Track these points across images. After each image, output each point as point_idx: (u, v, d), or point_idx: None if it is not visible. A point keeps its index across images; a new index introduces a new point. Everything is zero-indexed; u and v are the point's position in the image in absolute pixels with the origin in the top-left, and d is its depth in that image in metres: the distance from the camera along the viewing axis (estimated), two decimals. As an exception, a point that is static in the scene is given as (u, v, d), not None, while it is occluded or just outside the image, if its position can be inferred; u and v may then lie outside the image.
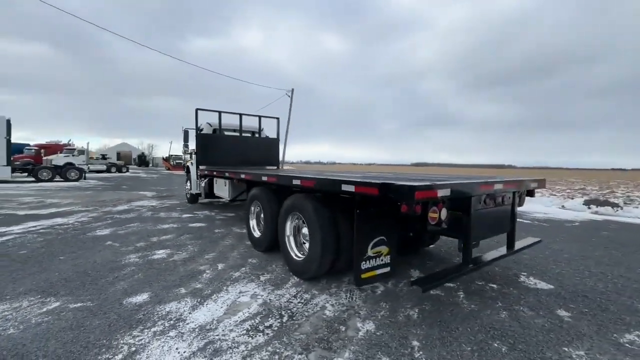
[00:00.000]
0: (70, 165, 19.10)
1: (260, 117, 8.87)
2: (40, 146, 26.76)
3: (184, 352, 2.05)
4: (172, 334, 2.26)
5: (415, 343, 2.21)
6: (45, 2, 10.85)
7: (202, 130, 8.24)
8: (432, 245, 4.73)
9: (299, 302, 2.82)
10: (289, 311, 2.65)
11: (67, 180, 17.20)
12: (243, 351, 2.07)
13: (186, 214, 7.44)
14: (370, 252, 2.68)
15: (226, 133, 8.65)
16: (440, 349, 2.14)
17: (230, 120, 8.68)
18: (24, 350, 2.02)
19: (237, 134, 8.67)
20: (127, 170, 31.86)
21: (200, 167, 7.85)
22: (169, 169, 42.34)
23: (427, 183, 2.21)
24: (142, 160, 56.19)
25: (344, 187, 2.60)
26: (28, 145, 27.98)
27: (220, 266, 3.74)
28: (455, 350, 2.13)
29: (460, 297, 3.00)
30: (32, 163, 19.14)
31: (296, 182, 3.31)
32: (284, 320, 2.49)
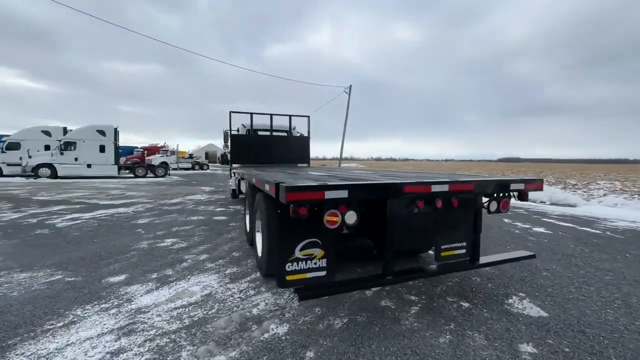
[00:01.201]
0: (164, 164, 22.88)
1: (290, 116, 9.16)
2: (145, 148, 32.79)
3: (106, 327, 2.37)
4: (112, 311, 2.62)
5: (310, 354, 2.08)
6: (154, 38, 13.19)
7: (237, 131, 8.96)
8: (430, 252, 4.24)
9: (238, 297, 2.91)
10: (222, 304, 2.77)
11: (156, 176, 20.61)
12: (149, 335, 2.28)
13: (220, 207, 8.20)
14: (298, 254, 2.59)
15: (260, 133, 9.22)
16: (332, 364, 1.98)
17: (265, 121, 9.20)
18: (6, 308, 2.62)
19: (277, 134, 9.17)
20: (208, 168, 36.31)
21: (234, 165, 8.57)
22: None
23: (312, 183, 2.02)
24: (224, 159, 63.22)
25: (265, 187, 2.58)
26: (137, 147, 34.39)
27: (202, 257, 4.08)
28: (346, 368, 1.94)
29: (411, 312, 2.66)
30: (138, 162, 23.61)
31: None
32: (210, 312, 2.63)
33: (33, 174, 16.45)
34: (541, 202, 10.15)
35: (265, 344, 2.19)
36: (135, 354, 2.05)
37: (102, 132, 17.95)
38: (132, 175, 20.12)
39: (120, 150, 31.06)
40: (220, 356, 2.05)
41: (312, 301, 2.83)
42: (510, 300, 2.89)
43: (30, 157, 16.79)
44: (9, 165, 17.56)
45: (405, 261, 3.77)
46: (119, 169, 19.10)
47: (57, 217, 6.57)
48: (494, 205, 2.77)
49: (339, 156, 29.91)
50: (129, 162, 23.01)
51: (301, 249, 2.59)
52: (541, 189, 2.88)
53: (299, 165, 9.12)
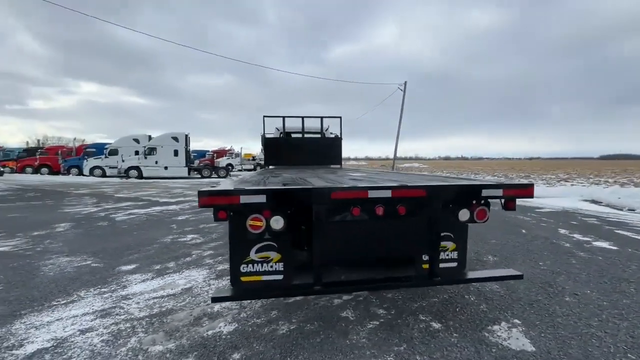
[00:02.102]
0: (229, 165, 25.34)
1: (322, 118, 9.21)
2: (214, 152, 36.56)
3: (92, 309, 2.77)
4: (105, 295, 3.05)
5: (236, 356, 2.11)
6: (227, 57, 14.91)
7: (271, 134, 9.40)
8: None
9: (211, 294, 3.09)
10: (193, 298, 2.98)
11: (218, 176, 22.80)
12: (118, 319, 2.59)
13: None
14: (254, 256, 2.63)
15: (293, 136, 9.50)
16: (251, 369, 1.97)
17: (299, 124, 9.44)
18: (36, 285, 3.26)
19: (310, 136, 9.39)
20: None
21: (268, 168, 9.01)
22: (303, 167, 48.35)
23: (227, 188, 2.01)
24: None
25: None
26: (208, 151, 38.48)
27: (207, 253, 4.42)
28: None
29: (368, 326, 2.47)
30: (209, 164, 26.56)
31: None
32: (178, 305, 2.85)
33: (125, 175, 19.84)
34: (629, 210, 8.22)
35: (204, 340, 2.29)
36: (97, 334, 2.37)
37: (175, 139, 20.67)
38: (199, 176, 22.64)
39: (195, 154, 35.16)
40: (158, 346, 2.23)
41: (271, 304, 2.84)
42: (495, 327, 2.45)
43: (123, 161, 20.31)
44: (110, 167, 21.50)
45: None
46: (189, 170, 21.70)
47: (121, 212, 7.84)
48: (464, 215, 2.36)
49: (399, 156, 28.86)
50: (201, 164, 26.02)
51: (257, 251, 2.62)
52: (530, 196, 2.35)
53: (331, 166, 9.12)
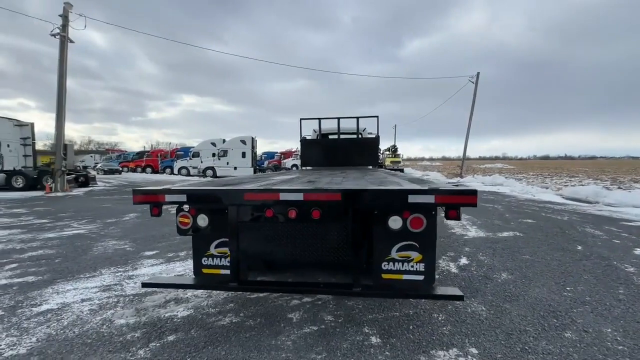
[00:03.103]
0: (295, 166, 26.78)
1: (358, 118, 9.03)
2: (282, 153, 38.98)
3: (101, 283, 3.40)
4: (118, 274, 3.69)
5: (170, 338, 2.35)
6: (298, 66, 16.25)
7: (307, 137, 9.64)
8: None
9: (194, 282, 3.45)
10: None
11: (280, 177, 24.32)
12: (112, 294, 3.12)
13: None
14: (213, 251, 2.86)
15: (331, 137, 9.55)
16: (160, 351, 2.19)
17: (339, 125, 9.47)
18: (77, 261, 4.13)
19: (346, 136, 9.37)
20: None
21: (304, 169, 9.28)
22: (368, 168, 47.66)
23: (156, 188, 2.22)
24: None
25: None
26: (276, 152, 41.13)
27: (217, 246, 4.88)
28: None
29: (305, 330, 2.44)
30: (277, 165, 28.60)
31: None
32: (161, 288, 3.28)
33: (203, 174, 22.81)
34: None
35: (158, 320, 2.61)
36: (90, 304, 2.92)
37: (243, 142, 22.82)
38: (264, 176, 24.50)
39: (265, 155, 37.97)
40: (123, 319, 2.63)
41: (234, 297, 3.03)
42: (440, 353, 2.14)
43: (202, 162, 23.38)
44: (192, 168, 24.99)
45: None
46: (255, 170, 23.68)
47: (179, 206, 9.14)
48: (395, 223, 2.11)
49: (484, 156, 26.28)
50: (270, 165, 28.13)
51: (216, 247, 2.85)
52: (473, 204, 1.94)
53: (369, 167, 8.90)
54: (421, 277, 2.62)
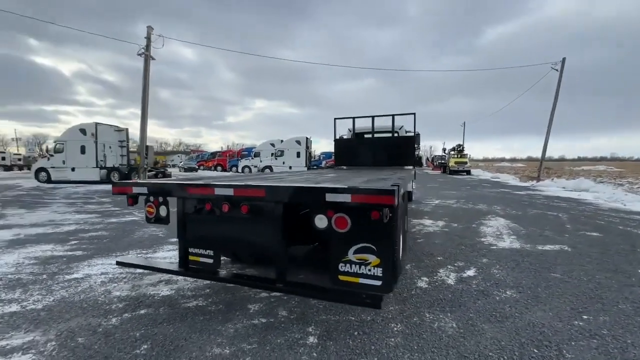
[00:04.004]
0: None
1: (393, 115, 8.62)
2: (340, 153, 39.21)
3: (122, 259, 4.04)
4: (140, 254, 4.32)
5: (141, 312, 2.69)
6: (364, 67, 16.79)
7: (343, 136, 9.55)
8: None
9: (192, 267, 3.84)
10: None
11: (333, 176, 24.58)
12: (124, 270, 3.69)
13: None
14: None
15: (366, 136, 9.30)
16: (127, 321, 2.51)
17: (376, 123, 9.20)
18: (120, 242, 4.94)
19: (382, 135, 9.07)
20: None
21: (337, 169, 9.25)
22: (432, 169, 44.81)
23: (128, 181, 2.53)
24: (417, 161, 63.11)
25: None
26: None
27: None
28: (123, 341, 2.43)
29: (254, 321, 2.54)
30: (334, 165, 29.08)
31: None
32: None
33: (262, 173, 24.51)
34: None
35: (141, 296, 3.01)
36: (104, 277, 3.49)
37: (298, 142, 23.74)
38: (317, 175, 25.10)
39: (324, 155, 38.71)
40: (118, 292, 3.10)
41: (216, 284, 3.27)
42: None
43: (261, 161, 25.11)
44: (253, 167, 27.01)
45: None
46: (308, 169, 24.42)
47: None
48: (321, 222, 2.00)
49: (585, 156, 22.79)
50: (327, 165, 28.74)
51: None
52: (390, 204, 1.71)
53: (405, 167, 8.44)
54: (378, 282, 2.47)
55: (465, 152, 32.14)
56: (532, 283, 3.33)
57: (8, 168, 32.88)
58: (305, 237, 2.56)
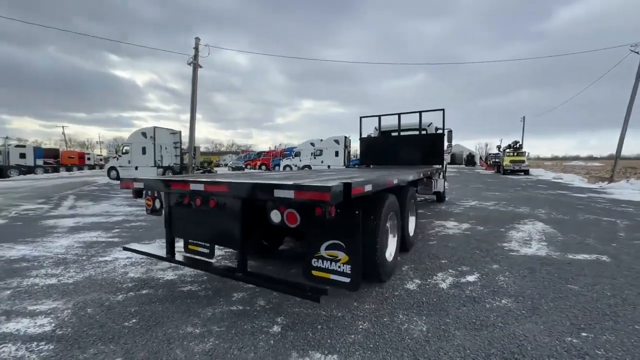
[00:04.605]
0: None
1: (420, 112, 8.23)
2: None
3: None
4: (162, 243, 4.84)
5: (143, 292, 3.07)
6: (412, 63, 16.79)
7: (371, 135, 9.39)
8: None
9: (201, 257, 4.21)
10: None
11: (372, 176, 24.15)
12: (145, 258, 4.19)
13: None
14: None
15: (393, 134, 9.03)
16: (129, 298, 2.88)
17: (403, 121, 8.90)
18: (152, 231, 5.58)
19: (409, 133, 8.77)
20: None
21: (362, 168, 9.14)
22: (485, 168, 41.43)
23: (130, 177, 2.87)
24: (469, 160, 58.79)
25: None
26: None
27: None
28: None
29: (232, 308, 2.75)
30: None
31: None
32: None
33: (301, 171, 25.13)
34: None
35: (149, 279, 3.42)
36: (128, 260, 4.02)
37: (337, 141, 23.84)
38: (356, 175, 24.89)
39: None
40: (132, 274, 3.56)
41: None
42: (318, 355, 2.05)
43: (300, 160, 25.74)
44: (294, 166, 27.80)
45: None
46: (347, 166, 24.35)
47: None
48: (275, 217, 2.07)
49: (619, 154, 19.77)
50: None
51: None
52: (324, 201, 1.69)
53: (434, 167, 8.05)
54: (347, 280, 2.52)
55: (522, 150, 29.12)
56: (537, 293, 3.01)
57: (91, 167, 38.50)
58: (266, 232, 2.69)
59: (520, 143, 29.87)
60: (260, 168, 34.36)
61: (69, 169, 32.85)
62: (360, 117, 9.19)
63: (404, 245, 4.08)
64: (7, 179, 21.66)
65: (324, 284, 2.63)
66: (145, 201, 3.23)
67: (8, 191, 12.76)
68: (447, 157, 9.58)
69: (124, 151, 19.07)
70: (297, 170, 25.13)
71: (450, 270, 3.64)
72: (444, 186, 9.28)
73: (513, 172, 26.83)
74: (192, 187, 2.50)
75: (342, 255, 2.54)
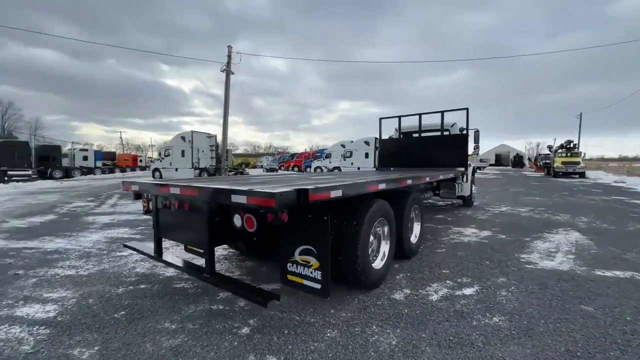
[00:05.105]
0: None
1: (442, 112, 7.79)
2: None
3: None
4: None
5: (141, 287, 3.31)
6: (452, 60, 16.53)
7: (391, 136, 9.09)
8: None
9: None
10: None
11: (403, 178, 23.38)
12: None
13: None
14: None
15: (414, 135, 8.65)
16: (127, 291, 3.12)
17: (425, 122, 8.51)
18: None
19: (430, 134, 8.38)
20: (475, 171, 33.99)
21: (384, 169, 8.89)
22: (535, 170, 38.01)
23: (129, 179, 3.10)
24: (517, 161, 54.37)
25: None
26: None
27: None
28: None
29: (213, 307, 2.85)
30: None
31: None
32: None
33: (331, 173, 25.17)
34: None
35: (151, 274, 3.67)
36: (139, 256, 4.37)
37: (367, 143, 23.49)
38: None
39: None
40: (139, 269, 3.85)
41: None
42: (271, 358, 2.05)
43: (330, 162, 25.77)
44: (325, 167, 27.91)
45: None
46: (377, 170, 23.88)
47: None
48: (237, 221, 2.08)
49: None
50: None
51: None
52: (269, 207, 1.65)
53: (457, 169, 7.59)
54: (318, 286, 2.51)
55: (577, 150, 26.25)
56: (539, 313, 2.71)
57: (143, 168, 42.25)
58: (232, 235, 2.76)
59: (575, 142, 26.95)
60: (292, 169, 35.06)
61: (123, 170, 36.39)
62: (380, 119, 8.98)
63: (402, 252, 3.91)
64: (71, 178, 24.61)
65: (298, 288, 2.63)
66: (142, 202, 3.50)
67: (67, 190, 14.50)
68: (474, 159, 8.97)
69: (166, 154, 20.67)
70: (325, 171, 25.26)
71: (447, 282, 3.41)
72: (471, 190, 8.70)
73: (565, 174, 24.27)
74: (172, 190, 2.65)
75: (313, 261, 2.52)
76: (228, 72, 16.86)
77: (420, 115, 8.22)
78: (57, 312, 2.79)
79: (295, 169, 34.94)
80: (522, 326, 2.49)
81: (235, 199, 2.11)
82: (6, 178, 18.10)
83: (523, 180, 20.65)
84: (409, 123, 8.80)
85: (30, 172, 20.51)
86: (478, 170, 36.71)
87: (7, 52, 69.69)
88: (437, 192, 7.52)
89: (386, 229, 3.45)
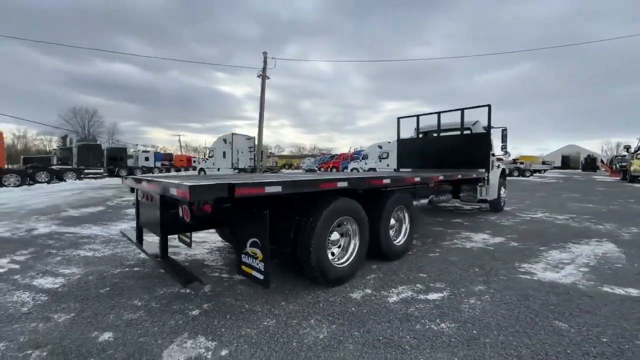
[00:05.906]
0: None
1: (462, 110, 7.29)
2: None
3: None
4: (186, 233, 5.69)
5: (136, 269, 3.76)
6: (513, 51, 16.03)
7: (412, 136, 8.73)
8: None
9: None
10: (200, 245, 4.87)
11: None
12: (163, 242, 5.03)
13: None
14: None
15: (434, 135, 8.19)
16: (124, 273, 3.57)
17: (445, 120, 8.07)
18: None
19: (451, 133, 7.92)
20: (531, 175, 30.62)
21: (401, 171, 8.59)
22: (610, 174, 33.06)
23: (130, 176, 3.54)
24: (588, 164, 47.74)
25: None
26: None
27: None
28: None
29: (177, 291, 3.14)
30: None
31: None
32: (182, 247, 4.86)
33: (367, 175, 24.84)
34: None
35: (150, 259, 4.13)
36: (149, 244, 4.92)
37: (404, 144, 22.75)
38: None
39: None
40: (142, 255, 4.36)
41: (207, 257, 4.08)
42: (191, 342, 2.23)
43: (366, 163, 25.45)
44: (361, 169, 27.63)
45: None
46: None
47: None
48: (180, 211, 2.27)
49: None
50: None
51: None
52: (184, 198, 1.79)
53: (479, 170, 7.07)
54: (261, 277, 2.66)
55: (661, 151, 22.19)
56: (498, 324, 2.49)
57: (195, 168, 46.25)
58: (183, 225, 3.02)
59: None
60: (331, 170, 35.34)
61: (178, 170, 40.21)
62: (398, 118, 8.75)
63: (380, 253, 3.84)
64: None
65: (249, 279, 2.80)
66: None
67: (126, 186, 16.55)
68: (502, 160, 8.19)
69: (210, 155, 22.40)
70: (361, 172, 24.93)
71: (417, 285, 3.27)
72: (499, 194, 7.98)
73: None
74: (142, 184, 3.02)
75: (259, 253, 2.66)
76: (263, 77, 17.75)
77: (439, 113, 7.82)
78: (61, 284, 3.33)
79: (334, 170, 35.15)
80: (467, 335, 2.33)
81: (172, 191, 2.36)
82: (82, 175, 21.28)
83: (586, 185, 18.18)
84: (429, 122, 8.41)
85: (102, 171, 23.82)
86: (537, 174, 33.04)
87: (95, 69, 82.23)
88: (458, 195, 7.09)
89: (355, 227, 3.43)
